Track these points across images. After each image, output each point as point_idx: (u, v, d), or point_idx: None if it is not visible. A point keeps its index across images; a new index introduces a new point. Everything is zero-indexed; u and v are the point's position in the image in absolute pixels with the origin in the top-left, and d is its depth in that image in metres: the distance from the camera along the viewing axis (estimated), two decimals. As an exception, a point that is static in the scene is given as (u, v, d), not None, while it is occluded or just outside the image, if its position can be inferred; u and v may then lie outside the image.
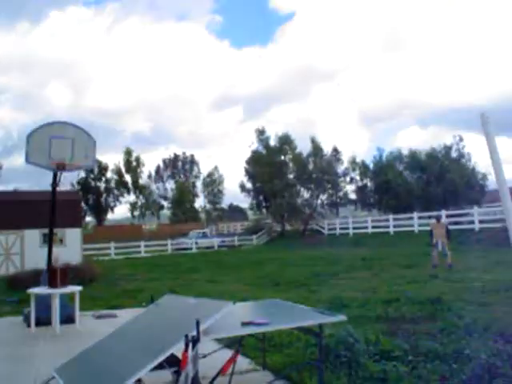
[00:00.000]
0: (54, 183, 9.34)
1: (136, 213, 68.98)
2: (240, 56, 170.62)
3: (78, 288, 8.78)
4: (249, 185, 47.87)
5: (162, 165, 73.97)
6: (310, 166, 43.83)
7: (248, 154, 47.54)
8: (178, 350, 3.79)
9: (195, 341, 3.71)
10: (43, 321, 8.69)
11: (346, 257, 22.22)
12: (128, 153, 68.52)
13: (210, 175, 71.62)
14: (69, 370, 4.31)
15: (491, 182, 35.91)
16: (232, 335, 4.52)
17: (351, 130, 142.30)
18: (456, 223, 27.05)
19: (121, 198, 68.27)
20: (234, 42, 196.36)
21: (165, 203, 72.43)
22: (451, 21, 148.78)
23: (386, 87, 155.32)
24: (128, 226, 62.76)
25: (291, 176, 44.93)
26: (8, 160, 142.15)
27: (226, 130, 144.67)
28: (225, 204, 74.19)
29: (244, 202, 55.45)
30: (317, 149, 43.87)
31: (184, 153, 75.44)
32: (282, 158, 45.34)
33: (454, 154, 40.26)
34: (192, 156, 75.11)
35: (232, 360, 4.15)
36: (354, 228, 36.28)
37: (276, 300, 6.14)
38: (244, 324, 4.28)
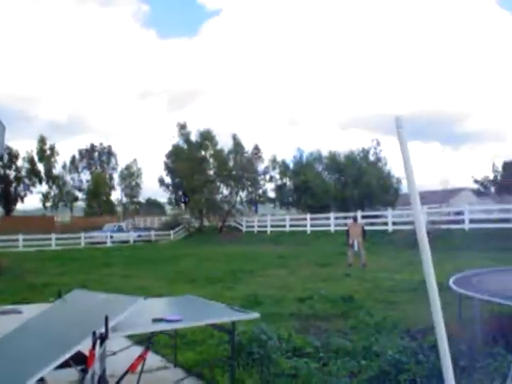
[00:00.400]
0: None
1: (48, 204, 66.04)
2: (166, 47, 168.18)
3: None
4: (168, 179, 47.33)
5: (77, 155, 71.41)
6: (231, 163, 43.91)
7: (168, 148, 47.04)
8: (85, 347, 3.62)
9: (103, 338, 3.56)
10: None
11: (263, 254, 22.42)
12: (42, 140, 65.16)
13: (128, 168, 69.83)
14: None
15: (405, 186, 37.55)
16: (142, 332, 4.39)
17: (273, 129, 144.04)
18: (371, 224, 28.03)
19: (32, 188, 65.09)
20: (160, 32, 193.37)
21: (79, 195, 70.05)
22: (375, 31, 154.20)
23: (309, 89, 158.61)
24: (39, 217, 60.01)
25: (211, 172, 44.80)
26: None
27: (148, 122, 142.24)
28: (142, 198, 72.82)
29: (162, 196, 54.78)
30: (238, 146, 43.98)
31: (101, 143, 73.26)
32: (203, 153, 45.04)
33: (371, 158, 41.73)
34: (109, 147, 73.08)
35: (141, 358, 4.01)
36: (272, 226, 36.70)
37: (190, 296, 6.05)
38: (155, 320, 4.16)
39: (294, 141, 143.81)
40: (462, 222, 24.27)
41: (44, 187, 65.96)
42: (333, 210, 35.23)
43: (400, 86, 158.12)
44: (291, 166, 45.42)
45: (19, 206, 65.51)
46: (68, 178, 68.99)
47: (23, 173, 64.27)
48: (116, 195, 71.72)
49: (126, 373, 3.97)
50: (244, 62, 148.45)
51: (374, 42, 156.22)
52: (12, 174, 63.44)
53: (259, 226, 38.17)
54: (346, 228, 19.47)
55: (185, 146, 45.44)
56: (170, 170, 46.40)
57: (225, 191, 44.95)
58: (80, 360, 3.80)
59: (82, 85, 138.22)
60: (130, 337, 5.69)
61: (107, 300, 4.57)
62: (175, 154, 45.44)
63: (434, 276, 2.43)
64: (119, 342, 5.04)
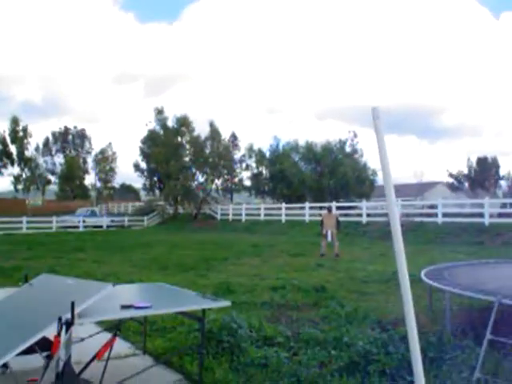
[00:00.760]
0: None
1: (20, 187, 64.78)
2: (145, 31, 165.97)
3: None
4: (143, 165, 46.86)
5: (51, 137, 70.16)
6: (207, 150, 43.68)
7: (144, 133, 46.50)
8: (51, 333, 3.54)
9: (69, 324, 3.47)
10: None
11: (237, 242, 22.39)
12: (15, 121, 63.62)
13: (102, 152, 68.88)
14: None
15: (380, 178, 37.96)
16: (110, 318, 4.31)
17: (251, 117, 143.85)
18: (345, 215, 28.24)
19: (3, 170, 63.72)
20: (139, 15, 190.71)
21: (52, 178, 68.91)
22: (355, 24, 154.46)
23: (287, 78, 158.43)
24: (10, 200, 59.03)
25: (187, 159, 44.51)
26: None
27: (124, 106, 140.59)
28: (117, 183, 72.07)
29: (137, 182, 54.34)
30: (215, 133, 43.74)
31: (75, 126, 72.09)
32: (179, 139, 44.71)
33: (347, 149, 41.99)
34: (83, 130, 71.96)
35: (109, 344, 3.94)
36: (247, 214, 36.68)
37: (161, 283, 5.98)
38: (124, 307, 4.08)
39: (271, 129, 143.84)
40: (436, 215, 24.57)
41: (16, 169, 64.77)
42: (308, 199, 35.36)
43: (378, 79, 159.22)
44: (267, 154, 45.45)
45: (-12, 188, 64.32)
46: (41, 160, 67.73)
47: (-6, 154, 62.90)
48: (90, 179, 70.93)
49: (92, 360, 3.90)
50: (224, 50, 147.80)
51: (353, 34, 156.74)
52: (-17, 154, 62.06)
53: (234, 215, 38.09)
54: (320, 218, 19.54)
55: (161, 132, 45.03)
56: (145, 155, 45.91)
57: (200, 178, 44.80)
58: (45, 346, 3.73)
59: (58, 66, 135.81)
60: (100, 323, 5.60)
61: (76, 285, 4.47)
62: (151, 140, 44.97)
63: (406, 268, 2.42)
64: (88, 329, 4.95)
